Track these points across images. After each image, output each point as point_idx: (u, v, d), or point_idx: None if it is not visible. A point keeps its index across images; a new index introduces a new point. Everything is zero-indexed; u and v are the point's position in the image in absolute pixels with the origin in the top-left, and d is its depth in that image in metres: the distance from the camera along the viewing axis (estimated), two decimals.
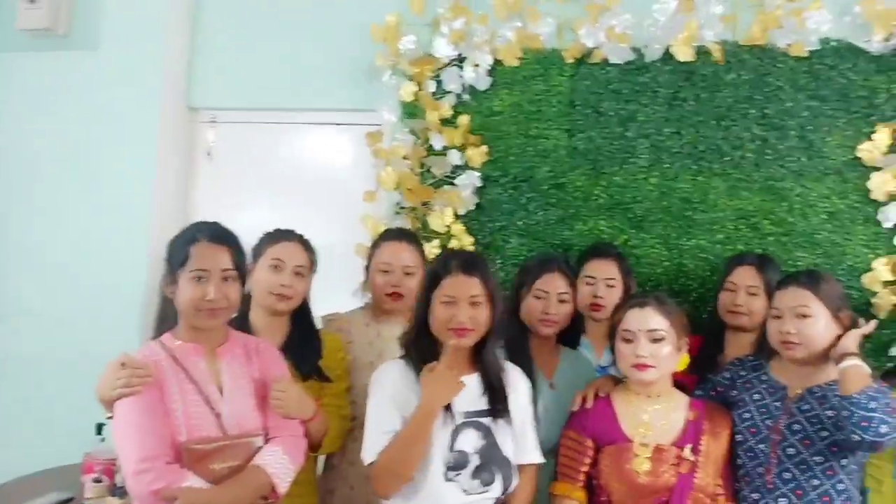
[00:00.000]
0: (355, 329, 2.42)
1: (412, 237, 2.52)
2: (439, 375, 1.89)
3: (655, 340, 2.02)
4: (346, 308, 2.53)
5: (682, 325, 2.08)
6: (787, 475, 1.97)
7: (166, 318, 1.91)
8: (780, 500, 1.97)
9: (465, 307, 1.91)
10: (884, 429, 1.82)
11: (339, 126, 3.23)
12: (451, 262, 1.97)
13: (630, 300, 2.15)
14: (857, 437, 1.85)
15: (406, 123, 2.93)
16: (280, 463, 1.80)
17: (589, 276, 2.51)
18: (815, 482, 1.95)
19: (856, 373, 1.89)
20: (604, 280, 2.50)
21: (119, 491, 2.45)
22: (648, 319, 2.04)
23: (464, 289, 1.92)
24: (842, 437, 1.88)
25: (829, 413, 1.95)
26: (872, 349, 2.48)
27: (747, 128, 2.68)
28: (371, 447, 1.90)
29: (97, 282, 3.23)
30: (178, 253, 1.83)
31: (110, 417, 1.82)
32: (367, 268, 2.47)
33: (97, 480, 2.58)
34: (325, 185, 3.24)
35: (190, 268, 1.80)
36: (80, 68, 3.30)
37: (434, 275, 1.97)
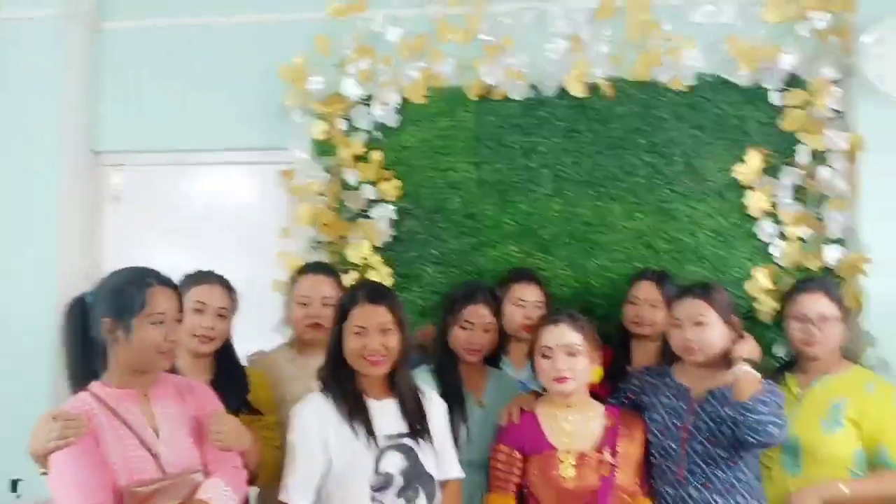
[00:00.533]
0: (281, 365, 2.46)
1: (330, 270, 2.59)
2: None
3: (571, 354, 2.18)
4: (266, 345, 2.56)
5: (594, 339, 2.24)
6: (695, 469, 2.16)
7: (90, 366, 1.87)
8: (691, 491, 2.16)
9: (375, 335, 1.99)
10: (774, 430, 2.04)
11: (251, 165, 3.26)
12: (358, 294, 2.06)
13: (545, 319, 2.31)
14: (751, 440, 2.07)
15: (320, 161, 2.98)
16: (224, 494, 1.82)
17: (520, 300, 2.63)
18: (720, 474, 2.14)
19: (747, 379, 2.10)
20: (533, 303, 2.63)
21: None
22: (564, 335, 2.19)
23: (373, 318, 2.00)
24: (738, 437, 2.09)
25: (730, 412, 2.15)
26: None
27: (638, 156, 2.88)
28: (292, 488, 1.95)
29: (2, 329, 3.11)
30: (131, 298, 1.81)
31: (44, 473, 1.77)
32: (287, 302, 2.53)
33: None
34: (239, 225, 3.23)
35: (148, 312, 1.80)
36: None
37: (343, 307, 2.05)
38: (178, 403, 1.91)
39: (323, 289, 2.46)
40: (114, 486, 1.72)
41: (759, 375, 2.12)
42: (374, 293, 2.07)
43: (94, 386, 1.84)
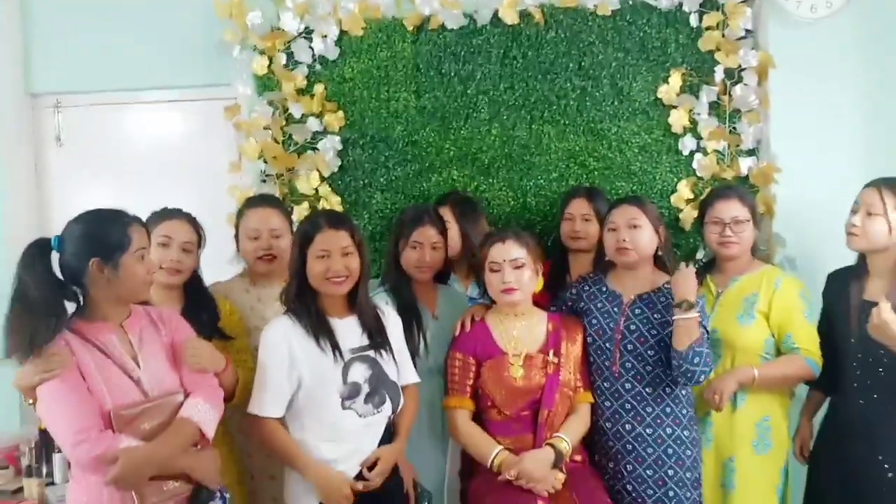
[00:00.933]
0: (236, 296, 2.56)
1: (275, 201, 2.67)
2: (332, 489, 2.10)
3: (517, 267, 2.39)
4: (223, 277, 2.64)
5: (536, 253, 2.46)
6: (628, 365, 2.42)
7: (61, 307, 1.92)
8: (624, 384, 2.42)
9: (338, 258, 2.15)
10: (703, 378, 2.32)
11: (194, 102, 3.27)
12: (320, 220, 2.20)
13: (491, 236, 2.50)
14: (682, 382, 2.35)
15: (264, 96, 3.04)
16: (204, 411, 1.95)
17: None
18: (649, 368, 2.40)
19: (685, 328, 2.30)
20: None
21: (33, 470, 2.52)
22: (510, 250, 2.40)
23: (335, 242, 2.15)
24: (669, 363, 2.34)
25: (657, 316, 2.41)
26: (683, 255, 2.99)
27: (568, 79, 3.03)
28: (259, 402, 2.13)
29: None
30: (117, 238, 1.90)
31: (31, 403, 1.90)
32: (237, 236, 2.60)
33: (3, 467, 2.63)
34: (187, 162, 3.27)
35: (134, 248, 1.91)
36: None
37: (305, 233, 2.18)
38: (153, 332, 2.02)
39: (271, 221, 2.54)
40: (101, 411, 1.83)
41: (697, 323, 2.30)
42: (335, 219, 2.22)
43: (72, 322, 1.92)
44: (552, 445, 2.31)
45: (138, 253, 1.93)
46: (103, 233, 1.91)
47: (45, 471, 2.57)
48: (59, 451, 2.53)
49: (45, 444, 2.58)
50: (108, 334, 1.94)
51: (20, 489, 2.53)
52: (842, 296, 2.41)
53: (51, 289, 1.88)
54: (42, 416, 1.90)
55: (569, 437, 2.35)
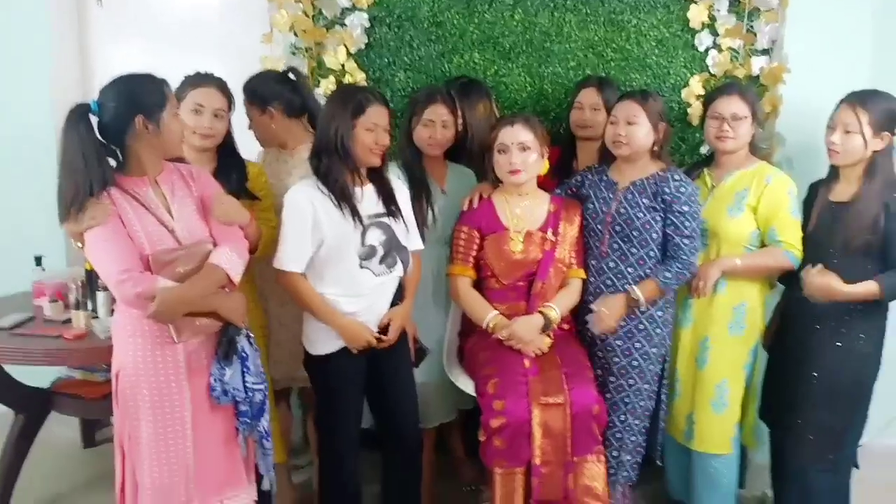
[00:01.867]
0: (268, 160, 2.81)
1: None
2: (356, 334, 2.36)
3: (524, 149, 2.56)
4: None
5: (543, 137, 2.61)
6: (615, 245, 2.61)
7: (106, 164, 2.10)
8: (609, 263, 2.62)
9: (382, 132, 2.35)
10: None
11: None
12: (370, 95, 2.36)
13: (502, 120, 2.65)
14: None
15: None
16: (230, 259, 2.14)
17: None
18: (634, 250, 2.58)
19: (649, 296, 2.54)
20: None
21: (80, 303, 2.82)
22: (518, 133, 2.56)
23: (383, 118, 2.35)
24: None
25: (645, 200, 2.56)
26: (688, 149, 3.13)
27: None
28: (286, 257, 2.34)
29: (6, 126, 3.37)
30: (156, 96, 2.08)
31: (81, 246, 2.12)
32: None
33: (53, 300, 2.94)
34: (222, 29, 3.40)
35: (171, 105, 2.10)
36: None
37: (359, 104, 2.32)
38: (184, 186, 2.21)
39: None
40: (140, 255, 2.05)
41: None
42: (382, 97, 2.40)
43: (113, 177, 2.10)
44: (542, 313, 2.55)
45: (174, 109, 2.12)
46: (144, 92, 2.08)
47: (90, 306, 2.86)
48: (102, 290, 2.81)
49: (90, 283, 2.86)
50: (145, 187, 2.13)
51: (68, 320, 2.83)
52: (814, 199, 2.58)
53: (94, 149, 2.04)
54: (90, 257, 2.12)
55: (558, 306, 2.58)
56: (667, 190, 2.52)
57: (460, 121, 2.82)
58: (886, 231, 2.40)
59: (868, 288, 2.38)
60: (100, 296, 2.81)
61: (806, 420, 2.56)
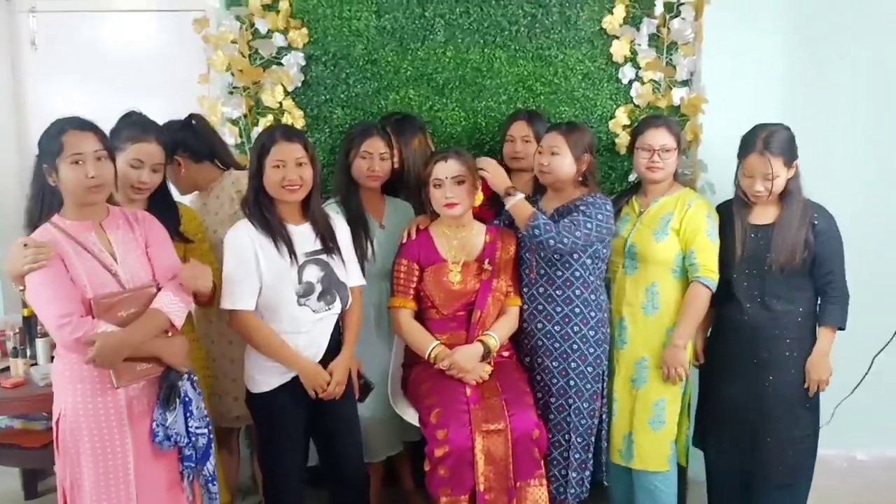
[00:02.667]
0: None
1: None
2: (314, 377, 2.41)
3: (458, 183, 2.65)
4: None
5: (475, 170, 2.70)
6: (542, 271, 2.71)
7: (51, 205, 2.15)
8: (538, 288, 2.72)
9: (292, 168, 2.37)
10: (553, 243, 2.54)
11: (166, 13, 3.40)
12: (276, 133, 2.40)
13: (435, 155, 2.73)
14: (543, 252, 2.62)
15: (231, 10, 3.16)
16: (173, 304, 2.15)
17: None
18: (559, 273, 2.69)
19: (516, 211, 2.62)
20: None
21: (18, 351, 2.79)
22: (451, 168, 2.64)
23: (289, 153, 2.36)
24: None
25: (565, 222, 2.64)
26: (617, 177, 3.26)
27: (520, 6, 3.16)
28: (234, 297, 2.36)
29: None
30: (51, 144, 2.06)
31: (22, 290, 2.11)
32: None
33: None
34: (158, 70, 3.42)
35: (66, 154, 2.05)
36: None
37: (263, 145, 2.38)
38: (129, 230, 2.22)
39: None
40: (82, 298, 2.06)
41: (527, 208, 2.62)
42: (289, 132, 2.43)
43: (55, 219, 2.13)
44: (482, 342, 2.63)
45: (72, 158, 2.06)
46: (44, 139, 2.10)
47: (28, 353, 2.83)
48: (41, 336, 2.79)
49: (29, 329, 2.84)
50: (88, 233, 2.13)
51: (6, 368, 2.80)
52: (731, 221, 2.71)
53: (37, 189, 2.13)
54: (30, 301, 2.11)
55: (497, 334, 2.66)
56: (579, 205, 2.65)
57: (396, 157, 2.89)
58: (816, 248, 2.58)
59: (828, 338, 2.64)
60: (39, 343, 2.79)
61: (780, 435, 2.67)
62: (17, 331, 2.85)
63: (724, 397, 2.76)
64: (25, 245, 2.05)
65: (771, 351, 2.66)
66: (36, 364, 2.79)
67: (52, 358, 2.24)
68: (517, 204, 2.62)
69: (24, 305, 2.81)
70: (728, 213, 2.73)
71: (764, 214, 2.67)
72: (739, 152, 2.66)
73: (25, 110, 3.53)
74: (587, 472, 2.78)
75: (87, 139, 2.09)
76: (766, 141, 2.57)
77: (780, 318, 2.64)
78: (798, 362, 2.65)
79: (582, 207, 2.63)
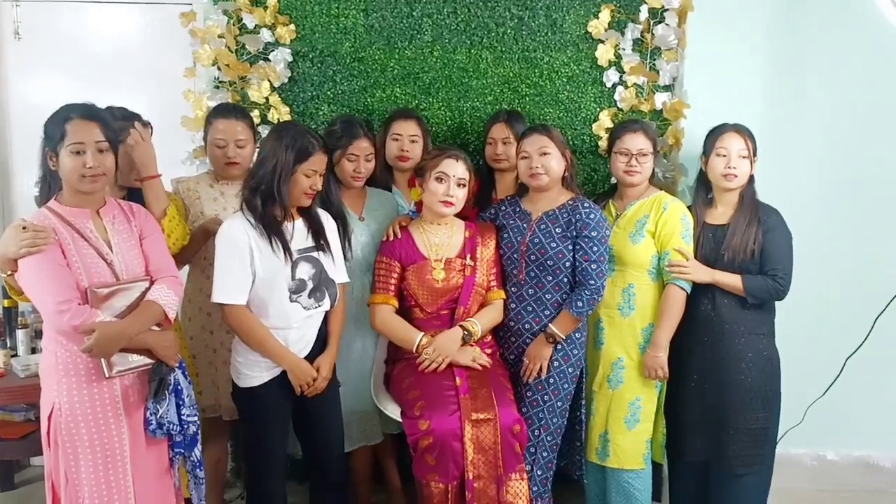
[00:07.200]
0: (202, 188, 2.80)
1: (242, 112, 2.83)
2: (302, 373, 2.42)
3: (460, 185, 2.68)
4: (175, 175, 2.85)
5: (473, 174, 2.75)
6: (531, 273, 2.74)
7: (52, 189, 2.16)
8: (528, 290, 2.75)
9: (318, 179, 2.41)
10: (604, 291, 2.71)
11: (153, 5, 3.39)
12: (315, 142, 2.39)
13: (447, 152, 2.71)
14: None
15: (219, 4, 3.16)
16: (167, 296, 2.19)
17: (396, 134, 2.98)
18: (549, 278, 2.72)
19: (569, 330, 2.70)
20: (408, 136, 2.98)
21: None
22: (459, 169, 2.67)
23: (322, 165, 2.41)
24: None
25: (558, 230, 2.70)
26: (600, 179, 3.30)
27: (507, 8, 3.21)
28: (227, 291, 2.36)
29: None
30: (55, 131, 2.07)
31: (9, 274, 2.10)
32: (205, 139, 2.79)
33: None
34: (144, 63, 3.40)
35: (68, 142, 2.06)
36: None
37: (304, 151, 2.35)
38: (125, 221, 2.23)
39: (237, 131, 2.73)
40: (77, 285, 2.06)
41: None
42: (325, 144, 2.47)
43: (52, 204, 2.14)
44: (462, 326, 2.67)
45: (73, 147, 2.07)
46: (48, 124, 2.11)
47: (9, 343, 2.82)
48: (22, 327, 2.78)
49: (9, 320, 2.83)
50: (85, 220, 2.14)
51: None
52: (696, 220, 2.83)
53: (45, 172, 2.15)
54: (25, 285, 2.09)
55: (479, 322, 2.70)
56: (578, 217, 2.68)
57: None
58: (765, 244, 2.69)
59: (733, 280, 2.70)
60: (19, 333, 2.77)
61: (737, 425, 2.74)
62: None
63: (685, 391, 2.83)
64: (24, 228, 2.04)
65: (726, 345, 2.74)
66: (17, 355, 2.77)
67: (34, 349, 2.24)
68: (564, 330, 2.70)
69: (5, 296, 2.79)
70: (693, 213, 2.85)
71: (720, 215, 2.79)
72: (708, 139, 2.79)
73: (8, 101, 3.49)
74: (551, 473, 2.81)
75: (90, 129, 2.09)
76: (736, 125, 2.73)
77: (734, 314, 2.73)
78: (752, 356, 2.73)
79: (588, 228, 2.68)
